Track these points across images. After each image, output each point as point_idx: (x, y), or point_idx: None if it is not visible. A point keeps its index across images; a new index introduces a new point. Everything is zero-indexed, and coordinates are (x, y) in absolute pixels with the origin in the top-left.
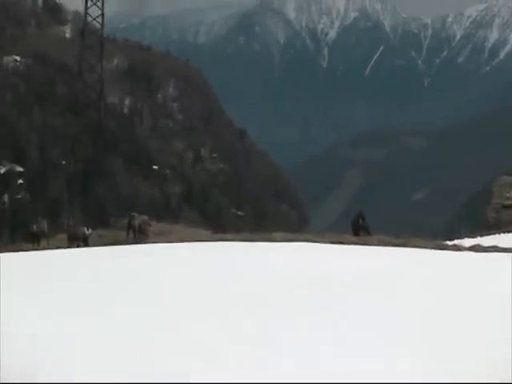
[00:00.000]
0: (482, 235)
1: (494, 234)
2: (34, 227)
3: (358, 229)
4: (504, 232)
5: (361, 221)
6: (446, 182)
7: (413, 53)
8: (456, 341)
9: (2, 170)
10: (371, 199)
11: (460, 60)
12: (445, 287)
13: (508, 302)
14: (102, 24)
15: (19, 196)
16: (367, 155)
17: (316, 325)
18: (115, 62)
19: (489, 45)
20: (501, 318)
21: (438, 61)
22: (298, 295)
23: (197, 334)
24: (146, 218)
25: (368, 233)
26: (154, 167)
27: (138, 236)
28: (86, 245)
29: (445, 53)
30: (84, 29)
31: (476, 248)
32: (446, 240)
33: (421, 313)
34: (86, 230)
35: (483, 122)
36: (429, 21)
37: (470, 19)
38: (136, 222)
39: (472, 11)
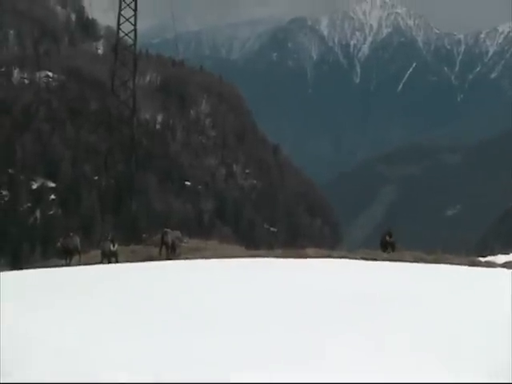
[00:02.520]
0: None
1: None
2: (66, 243)
3: (386, 246)
4: None
5: (388, 238)
6: (481, 197)
7: (446, 69)
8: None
9: (35, 186)
10: (405, 215)
11: (493, 76)
12: (475, 305)
13: None
14: (135, 40)
15: (51, 212)
16: (401, 171)
17: (358, 342)
18: (148, 77)
19: None
20: None
21: (470, 77)
22: (335, 312)
23: (238, 349)
24: (178, 233)
25: (393, 249)
26: (187, 183)
27: (172, 252)
28: (116, 260)
29: (478, 68)
30: (116, 44)
31: (509, 265)
32: (479, 256)
33: (452, 328)
34: (111, 245)
35: None
36: (462, 36)
37: (503, 35)
38: (169, 238)
39: (505, 27)
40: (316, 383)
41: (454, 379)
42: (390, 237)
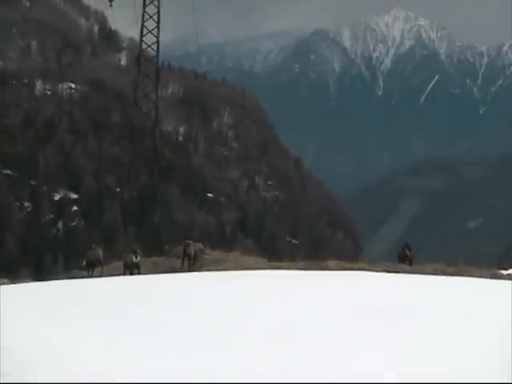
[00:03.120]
0: None
1: None
2: (89, 255)
3: (404, 259)
4: None
5: (407, 252)
6: (502, 210)
7: (468, 81)
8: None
9: (57, 197)
10: (427, 228)
11: None
12: (491, 317)
13: None
14: (158, 51)
15: (74, 223)
16: (423, 184)
17: (379, 353)
18: (170, 89)
19: None
20: None
21: (493, 89)
22: (356, 324)
23: (255, 363)
24: (200, 245)
25: (410, 263)
26: (209, 195)
27: (194, 263)
28: (138, 272)
29: (500, 81)
30: (139, 56)
31: None
32: (500, 269)
33: (472, 344)
34: (134, 257)
35: None
36: (484, 49)
37: None
38: (191, 250)
39: None
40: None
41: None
42: (409, 250)
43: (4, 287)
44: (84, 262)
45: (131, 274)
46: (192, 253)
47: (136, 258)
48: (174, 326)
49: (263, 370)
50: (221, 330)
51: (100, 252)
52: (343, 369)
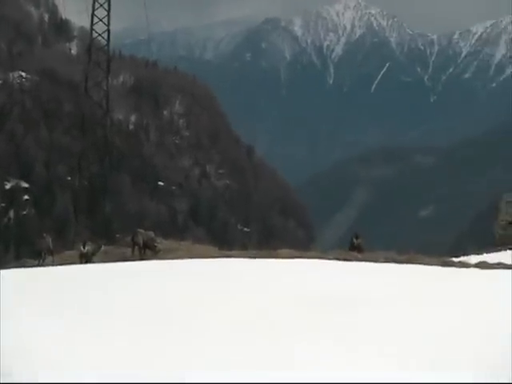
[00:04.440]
0: (488, 252)
1: (501, 250)
2: (40, 244)
3: (353, 248)
4: (511, 248)
5: (355, 240)
6: (454, 199)
7: (419, 69)
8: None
9: (8, 186)
10: (379, 216)
11: (466, 77)
12: (448, 303)
13: (507, 317)
14: (108, 40)
15: (25, 212)
16: (375, 172)
17: (328, 344)
18: (121, 78)
19: (495, 61)
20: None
21: (444, 78)
22: (307, 313)
23: (203, 356)
24: (151, 234)
25: (360, 251)
26: (161, 184)
27: (144, 252)
28: (88, 262)
29: (451, 69)
30: (90, 45)
31: (482, 265)
32: (452, 257)
33: (422, 328)
34: (82, 247)
35: (490, 139)
36: (435, 37)
37: (477, 36)
38: (140, 239)
39: (478, 28)
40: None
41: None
42: (357, 239)
43: None
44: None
45: (43, 260)
46: (141, 241)
47: (84, 248)
48: (120, 316)
49: (204, 367)
50: (166, 321)
51: (49, 241)
52: (281, 359)
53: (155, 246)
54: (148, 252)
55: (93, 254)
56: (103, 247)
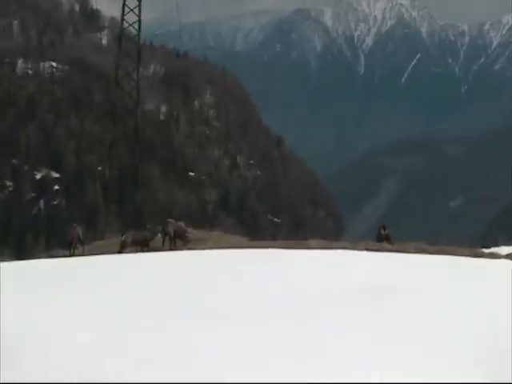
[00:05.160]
0: None
1: None
2: (70, 234)
3: (381, 239)
4: None
5: (382, 231)
6: (484, 189)
7: (450, 60)
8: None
9: (38, 176)
10: (409, 207)
11: (497, 67)
12: (476, 296)
13: None
14: (139, 30)
15: (55, 202)
16: (405, 163)
17: (359, 336)
18: (152, 68)
19: None
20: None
21: (474, 68)
22: (337, 304)
23: (237, 345)
24: (182, 224)
25: (388, 242)
26: (191, 174)
27: (174, 243)
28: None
29: (481, 60)
30: (120, 35)
31: None
32: (482, 247)
33: (452, 323)
34: (121, 236)
35: None
36: (466, 28)
37: (507, 26)
38: (171, 229)
39: (509, 18)
40: (316, 383)
41: (455, 379)
42: (385, 230)
43: None
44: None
45: (74, 250)
46: (171, 231)
47: (122, 236)
48: (153, 308)
49: (239, 356)
50: (197, 313)
51: (80, 231)
52: (318, 351)
53: (186, 236)
54: (179, 242)
55: (151, 239)
56: (159, 235)
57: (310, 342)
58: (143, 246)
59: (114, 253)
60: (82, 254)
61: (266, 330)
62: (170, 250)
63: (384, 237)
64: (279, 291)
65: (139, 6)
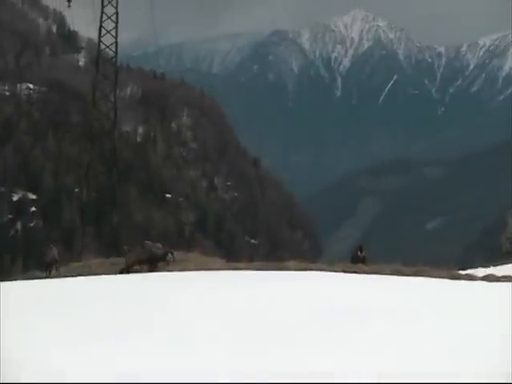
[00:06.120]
0: (495, 265)
1: (508, 263)
2: (47, 255)
3: (357, 260)
4: None
5: (359, 253)
6: (462, 211)
7: (426, 82)
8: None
9: (16, 198)
10: (387, 228)
11: (474, 89)
12: (453, 316)
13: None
14: (116, 52)
15: (32, 224)
16: (383, 184)
17: (336, 354)
18: (129, 90)
19: (503, 74)
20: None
21: (451, 90)
22: (314, 324)
23: (213, 364)
24: (159, 245)
25: (364, 264)
26: (168, 195)
27: (155, 265)
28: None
29: (458, 82)
30: (98, 57)
31: (489, 278)
32: (459, 269)
33: (425, 340)
34: (56, 253)
35: (498, 151)
36: (443, 49)
37: (484, 48)
38: (147, 254)
39: (486, 40)
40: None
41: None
42: (361, 251)
43: None
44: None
45: (50, 271)
46: (146, 257)
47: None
48: (130, 327)
49: (220, 370)
50: (173, 332)
51: (55, 252)
52: (295, 368)
53: (166, 258)
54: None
55: (162, 258)
56: (170, 255)
57: (279, 364)
58: (151, 265)
59: (92, 274)
60: (58, 276)
61: (231, 354)
62: (150, 271)
63: (360, 258)
64: (256, 312)
65: (116, 27)
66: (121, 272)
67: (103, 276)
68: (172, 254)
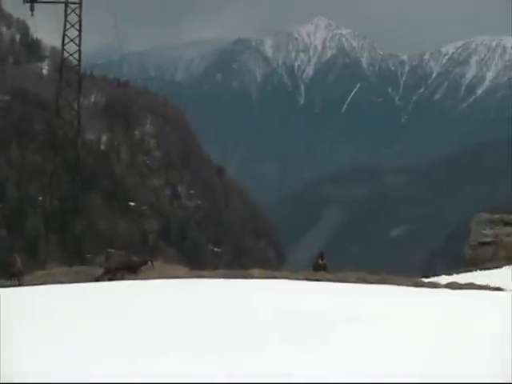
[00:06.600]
0: (458, 272)
1: (471, 271)
2: (10, 264)
3: (318, 268)
4: (481, 269)
5: (320, 260)
6: (425, 219)
7: (390, 90)
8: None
9: None
10: (351, 236)
11: (437, 97)
12: (416, 322)
13: (471, 337)
14: (79, 60)
15: None
16: (346, 192)
17: (301, 359)
18: (93, 98)
19: (466, 82)
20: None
21: (414, 98)
22: (278, 331)
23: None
24: (122, 253)
25: (325, 271)
26: (131, 204)
27: (122, 275)
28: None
29: (422, 90)
30: (61, 65)
31: (452, 285)
32: (422, 277)
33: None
34: (20, 263)
35: (461, 159)
36: (406, 58)
37: (447, 56)
38: (113, 262)
39: (449, 48)
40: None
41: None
42: (322, 259)
43: None
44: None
45: (18, 280)
46: (113, 265)
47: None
48: (98, 335)
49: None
50: (139, 342)
51: (19, 261)
52: (255, 371)
53: (137, 267)
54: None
55: (140, 265)
56: (149, 263)
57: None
58: (131, 272)
59: (56, 282)
60: (23, 284)
61: (204, 354)
62: (110, 279)
63: (321, 266)
64: (220, 320)
65: (79, 35)
66: (97, 279)
67: (69, 285)
68: (151, 261)
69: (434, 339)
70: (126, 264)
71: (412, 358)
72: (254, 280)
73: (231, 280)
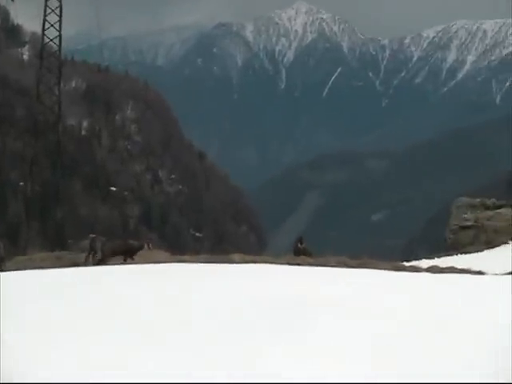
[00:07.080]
0: (439, 256)
1: (452, 255)
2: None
3: (298, 253)
4: (462, 253)
5: (299, 245)
6: (406, 203)
7: (370, 74)
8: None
9: None
10: (331, 221)
11: (417, 81)
12: (397, 305)
13: (452, 321)
14: (60, 45)
15: None
16: (327, 177)
17: (283, 343)
18: (73, 83)
19: (446, 66)
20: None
21: (395, 82)
22: (258, 317)
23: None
24: (103, 239)
25: (305, 255)
26: (113, 189)
27: (131, 256)
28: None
29: (402, 74)
30: (41, 50)
31: (433, 269)
32: (403, 261)
33: (378, 333)
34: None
35: (442, 143)
36: (386, 42)
37: (428, 40)
38: (97, 245)
39: (430, 32)
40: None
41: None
42: (301, 243)
43: None
44: None
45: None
46: (98, 248)
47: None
48: (80, 323)
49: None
50: (121, 328)
51: (2, 247)
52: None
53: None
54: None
55: (138, 249)
56: (146, 246)
57: (232, 355)
58: (128, 256)
59: (37, 268)
60: (4, 270)
61: (180, 347)
62: (95, 265)
63: (301, 250)
64: (202, 304)
65: (60, 21)
66: (97, 263)
67: (49, 270)
68: (149, 245)
69: (414, 322)
70: (124, 248)
71: (396, 341)
72: (234, 265)
73: (212, 265)
